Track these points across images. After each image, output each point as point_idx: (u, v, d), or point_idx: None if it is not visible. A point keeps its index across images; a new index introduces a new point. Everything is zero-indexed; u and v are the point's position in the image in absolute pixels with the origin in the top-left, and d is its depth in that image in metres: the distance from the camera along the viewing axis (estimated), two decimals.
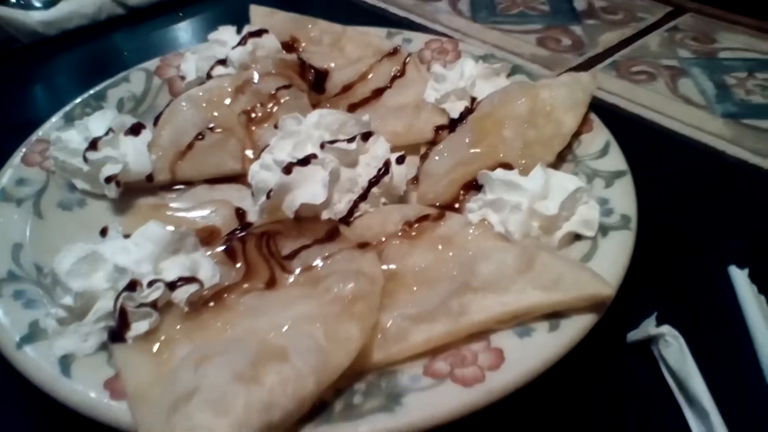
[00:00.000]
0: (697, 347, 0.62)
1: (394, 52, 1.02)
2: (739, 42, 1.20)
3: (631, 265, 0.65)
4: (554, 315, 0.59)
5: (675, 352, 0.62)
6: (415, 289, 0.64)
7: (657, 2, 1.34)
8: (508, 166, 0.75)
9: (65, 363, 0.56)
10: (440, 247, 0.68)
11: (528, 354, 0.56)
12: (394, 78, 0.99)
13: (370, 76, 1.00)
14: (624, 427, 0.60)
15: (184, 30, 1.33)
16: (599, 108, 0.86)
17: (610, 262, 0.64)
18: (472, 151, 0.79)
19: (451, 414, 0.51)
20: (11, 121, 1.05)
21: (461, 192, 0.77)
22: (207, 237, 0.75)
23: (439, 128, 0.88)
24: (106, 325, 0.59)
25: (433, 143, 0.87)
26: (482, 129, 0.81)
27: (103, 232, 0.65)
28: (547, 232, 0.68)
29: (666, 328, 0.63)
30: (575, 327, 0.58)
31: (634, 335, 0.66)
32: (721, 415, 0.56)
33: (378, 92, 0.97)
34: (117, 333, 0.58)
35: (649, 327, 0.64)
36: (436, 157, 0.82)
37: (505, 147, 0.79)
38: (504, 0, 1.36)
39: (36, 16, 1.25)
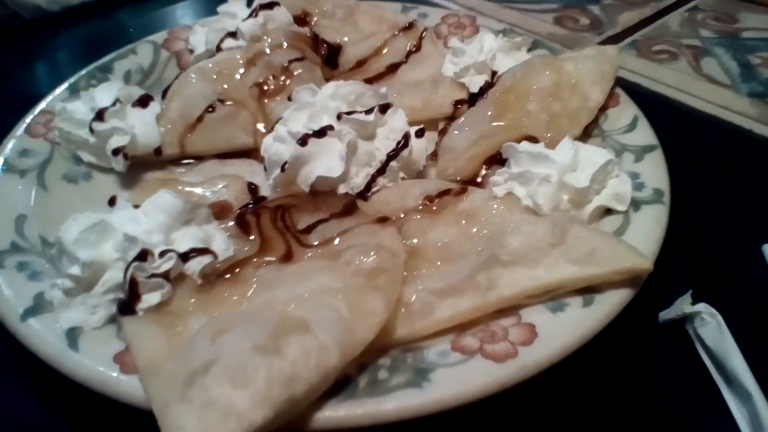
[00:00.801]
0: (733, 327, 0.59)
1: (410, 26, 0.98)
2: (761, 22, 1.17)
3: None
4: (587, 290, 0.56)
5: (713, 330, 0.59)
6: (438, 264, 0.61)
7: None
8: (533, 140, 0.72)
9: (72, 336, 0.54)
10: (464, 222, 0.66)
11: (562, 329, 0.53)
12: (410, 53, 0.96)
13: (384, 51, 0.97)
14: (659, 409, 0.57)
15: (190, 7, 1.29)
16: (621, 87, 0.83)
17: (644, 237, 0.61)
18: (494, 124, 0.76)
19: (483, 390, 0.49)
20: (13, 97, 1.02)
21: (483, 166, 0.74)
22: (218, 212, 0.71)
23: (458, 103, 0.85)
24: (115, 297, 0.56)
25: (451, 118, 0.84)
26: (505, 102, 0.78)
27: (112, 202, 0.62)
28: (577, 206, 0.65)
29: (703, 306, 0.60)
30: (611, 302, 0.55)
31: (666, 314, 0.63)
32: (765, 397, 0.54)
33: (393, 67, 0.94)
34: (127, 304, 0.55)
35: (684, 305, 0.61)
36: (456, 132, 0.78)
37: (529, 120, 0.75)
38: None
39: None
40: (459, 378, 0.49)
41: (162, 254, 0.56)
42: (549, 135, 0.73)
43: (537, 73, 0.79)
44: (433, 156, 0.80)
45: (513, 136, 0.73)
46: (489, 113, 0.77)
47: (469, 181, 0.73)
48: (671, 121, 0.91)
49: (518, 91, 0.78)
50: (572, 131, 0.74)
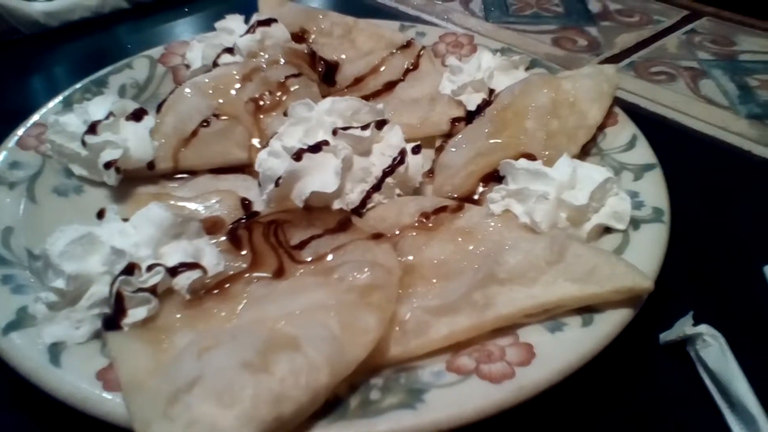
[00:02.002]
0: (735, 349, 0.58)
1: (408, 45, 0.99)
2: (758, 45, 1.17)
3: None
4: (586, 309, 0.55)
5: (715, 353, 0.57)
6: (434, 281, 0.60)
7: (673, 6, 1.32)
8: (531, 157, 0.71)
9: (55, 351, 0.52)
10: (460, 239, 0.64)
11: (561, 349, 0.51)
12: (408, 71, 0.96)
13: (382, 68, 0.97)
14: None
15: (188, 25, 1.30)
16: (620, 107, 0.83)
17: (643, 256, 0.60)
18: (491, 141, 0.75)
19: (479, 412, 0.47)
20: (10, 111, 1.01)
21: (480, 184, 0.73)
22: (210, 227, 0.70)
23: (455, 120, 0.84)
24: (100, 312, 0.54)
25: (448, 136, 0.83)
26: (502, 120, 0.77)
27: (100, 214, 0.61)
28: (576, 224, 0.64)
29: (704, 328, 0.59)
30: (611, 322, 0.54)
31: (667, 335, 0.62)
32: None
33: (390, 85, 0.94)
34: (112, 320, 0.53)
35: (685, 327, 0.60)
36: (453, 149, 0.78)
37: (527, 138, 0.75)
38: (517, 1, 1.34)
39: (38, 7, 1.22)
40: (454, 399, 0.48)
41: (150, 268, 0.55)
42: (547, 153, 0.73)
43: (535, 91, 0.79)
44: (430, 173, 0.79)
45: (510, 153, 0.72)
46: (486, 131, 0.77)
47: (466, 199, 0.72)
48: (670, 142, 0.91)
49: (516, 108, 0.77)
50: (570, 149, 0.73)
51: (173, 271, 0.56)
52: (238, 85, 0.85)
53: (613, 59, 1.13)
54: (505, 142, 0.75)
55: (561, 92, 0.78)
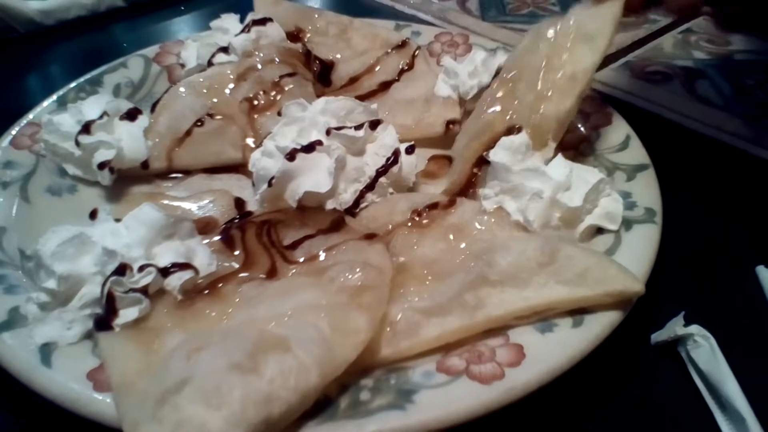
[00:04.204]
0: (726, 349, 0.58)
1: (403, 44, 0.98)
2: (754, 45, 1.17)
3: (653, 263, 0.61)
4: (577, 310, 0.55)
5: (705, 353, 0.58)
6: (426, 281, 0.60)
7: None
8: (518, 130, 0.70)
9: (46, 352, 0.52)
10: (452, 236, 0.64)
11: (551, 350, 0.51)
12: (403, 71, 0.95)
13: (377, 68, 0.96)
14: None
15: (185, 23, 1.29)
16: (614, 106, 0.83)
17: (635, 257, 0.60)
18: (483, 117, 0.75)
19: (468, 413, 0.47)
20: (5, 110, 1.01)
21: (474, 170, 0.73)
22: (203, 228, 0.70)
23: (450, 122, 0.84)
24: (92, 312, 0.54)
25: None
26: (503, 87, 0.76)
27: (93, 215, 0.61)
28: (569, 225, 0.64)
29: (695, 328, 0.59)
30: (601, 323, 0.54)
31: (658, 336, 0.62)
32: (759, 421, 0.52)
33: (385, 85, 0.94)
34: (103, 320, 0.53)
35: (676, 327, 0.60)
36: (459, 137, 0.80)
37: (518, 104, 0.73)
38: (513, 0, 1.34)
39: (33, 5, 1.21)
40: (443, 400, 0.48)
41: (141, 269, 0.55)
42: (535, 116, 0.71)
43: (530, 49, 0.76)
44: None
45: (498, 128, 0.72)
46: (486, 102, 0.77)
47: (465, 187, 0.73)
48: (664, 141, 0.91)
49: (514, 74, 0.76)
50: (564, 103, 0.71)
51: (165, 272, 0.56)
52: (232, 85, 0.85)
53: (610, 58, 1.13)
54: (491, 118, 0.74)
55: (558, 36, 0.75)
